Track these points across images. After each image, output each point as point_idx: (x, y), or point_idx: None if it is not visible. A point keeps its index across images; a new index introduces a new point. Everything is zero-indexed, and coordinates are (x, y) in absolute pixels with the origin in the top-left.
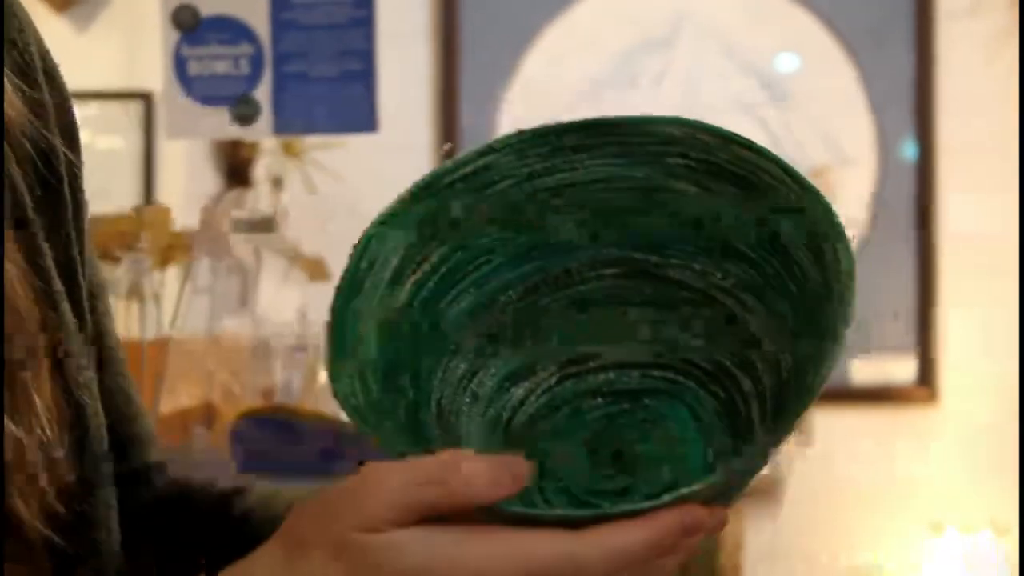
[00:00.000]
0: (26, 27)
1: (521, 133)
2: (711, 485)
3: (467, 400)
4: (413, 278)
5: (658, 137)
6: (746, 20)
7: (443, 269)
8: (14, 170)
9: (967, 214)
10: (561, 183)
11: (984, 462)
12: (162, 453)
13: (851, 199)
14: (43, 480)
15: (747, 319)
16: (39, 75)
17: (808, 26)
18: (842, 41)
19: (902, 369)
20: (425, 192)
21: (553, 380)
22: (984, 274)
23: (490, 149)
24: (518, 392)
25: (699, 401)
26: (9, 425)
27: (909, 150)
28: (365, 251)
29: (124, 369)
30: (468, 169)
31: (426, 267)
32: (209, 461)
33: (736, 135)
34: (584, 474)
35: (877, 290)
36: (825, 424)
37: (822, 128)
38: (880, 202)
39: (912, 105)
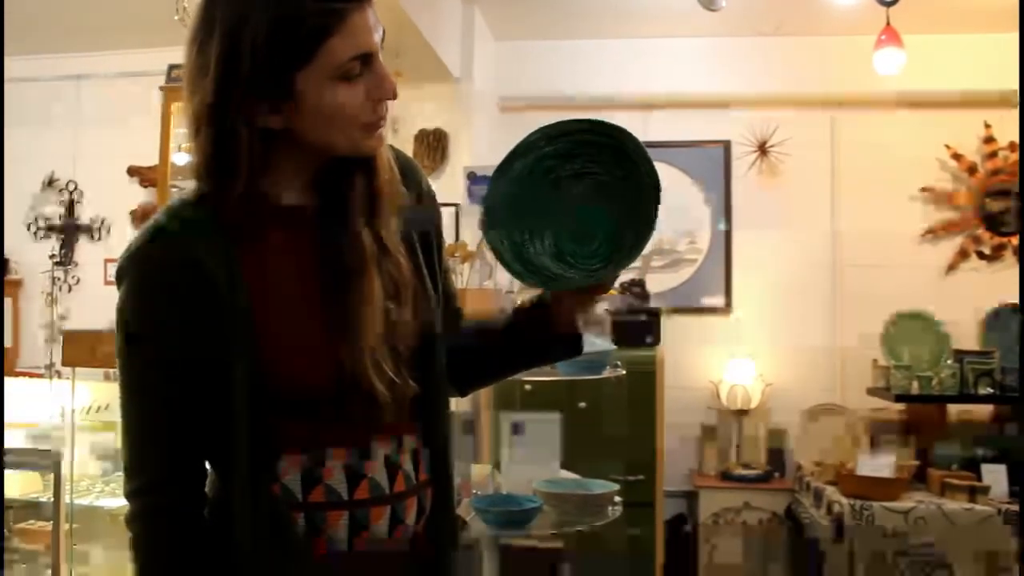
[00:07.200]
0: (422, 176)
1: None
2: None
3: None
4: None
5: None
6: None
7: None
8: (407, 222)
9: (746, 249)
10: (558, 152)
11: (747, 335)
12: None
13: (702, 242)
14: (401, 340)
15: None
16: (422, 189)
17: (681, 178)
18: (696, 182)
19: (719, 300)
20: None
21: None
22: (751, 270)
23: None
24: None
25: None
26: (397, 313)
27: (722, 225)
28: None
29: (456, 292)
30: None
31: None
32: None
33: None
34: (568, 241)
35: (711, 276)
36: (690, 321)
37: (691, 218)
38: (712, 244)
39: (722, 208)
